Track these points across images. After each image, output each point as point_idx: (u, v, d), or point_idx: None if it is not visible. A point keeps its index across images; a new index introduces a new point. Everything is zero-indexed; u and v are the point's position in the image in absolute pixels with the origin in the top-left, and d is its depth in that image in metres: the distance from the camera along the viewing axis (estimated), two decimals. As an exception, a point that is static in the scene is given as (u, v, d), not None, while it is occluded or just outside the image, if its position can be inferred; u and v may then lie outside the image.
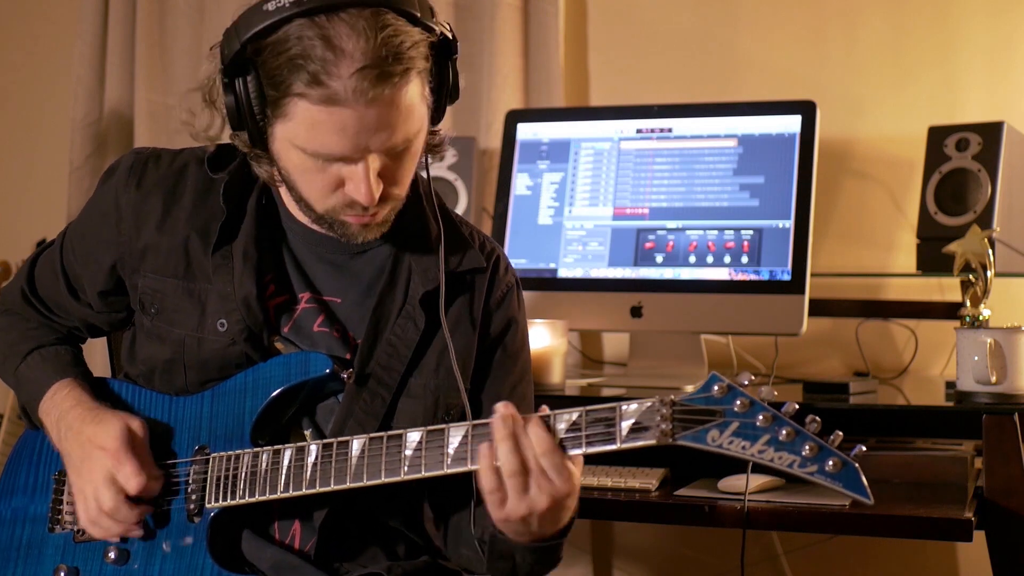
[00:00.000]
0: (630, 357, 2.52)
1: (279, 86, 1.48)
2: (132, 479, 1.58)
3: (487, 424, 1.48)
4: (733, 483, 1.99)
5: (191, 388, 1.67)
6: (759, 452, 1.36)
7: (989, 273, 2.10)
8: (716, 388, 1.38)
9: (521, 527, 1.49)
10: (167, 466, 1.65)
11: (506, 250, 2.49)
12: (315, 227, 1.65)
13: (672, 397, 1.41)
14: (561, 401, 2.22)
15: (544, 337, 2.25)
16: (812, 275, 2.36)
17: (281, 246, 1.68)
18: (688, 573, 2.91)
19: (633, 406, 1.42)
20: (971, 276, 2.12)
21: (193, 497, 1.62)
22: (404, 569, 1.64)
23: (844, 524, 1.94)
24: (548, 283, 2.49)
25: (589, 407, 1.45)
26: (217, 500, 1.61)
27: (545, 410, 1.47)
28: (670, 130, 2.50)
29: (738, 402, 1.37)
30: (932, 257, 2.41)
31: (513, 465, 1.44)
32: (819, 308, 2.61)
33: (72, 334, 1.82)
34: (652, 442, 1.41)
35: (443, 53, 1.55)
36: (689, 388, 2.09)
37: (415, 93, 1.51)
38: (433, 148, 1.63)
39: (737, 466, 1.93)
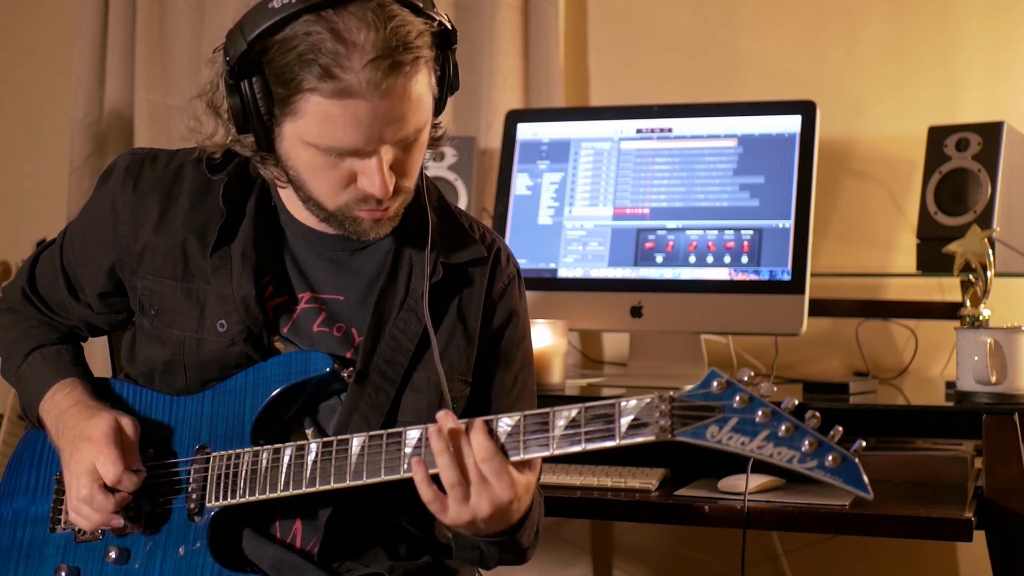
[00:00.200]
0: (630, 357, 2.52)
1: (289, 83, 1.47)
2: (108, 468, 1.58)
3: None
4: (733, 483, 1.99)
5: (191, 388, 1.67)
6: (758, 448, 1.35)
7: (989, 273, 2.10)
8: (715, 384, 1.38)
9: (469, 529, 1.51)
10: (168, 465, 1.65)
11: (506, 250, 2.49)
12: (317, 226, 1.65)
13: (671, 393, 1.40)
14: (561, 401, 2.21)
15: (544, 337, 2.24)
16: (812, 275, 2.36)
17: (281, 247, 1.68)
18: (688, 573, 2.90)
19: (632, 402, 1.42)
20: (971, 276, 2.11)
21: (194, 496, 1.62)
22: (406, 569, 1.64)
23: (844, 524, 1.93)
24: (548, 283, 2.49)
25: (588, 403, 1.44)
26: (218, 499, 1.61)
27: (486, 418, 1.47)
28: (670, 130, 2.50)
29: (737, 398, 1.36)
30: (932, 257, 2.41)
31: (452, 477, 1.45)
32: (819, 308, 2.60)
33: (73, 333, 1.82)
34: (651, 438, 1.40)
35: (444, 44, 1.55)
36: (688, 387, 2.09)
37: (424, 83, 1.51)
38: (435, 141, 1.63)
39: (737, 466, 1.94)
